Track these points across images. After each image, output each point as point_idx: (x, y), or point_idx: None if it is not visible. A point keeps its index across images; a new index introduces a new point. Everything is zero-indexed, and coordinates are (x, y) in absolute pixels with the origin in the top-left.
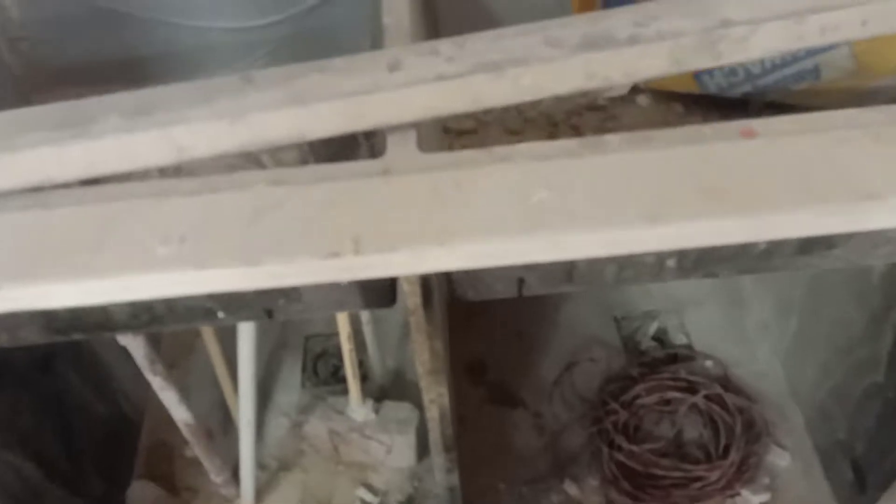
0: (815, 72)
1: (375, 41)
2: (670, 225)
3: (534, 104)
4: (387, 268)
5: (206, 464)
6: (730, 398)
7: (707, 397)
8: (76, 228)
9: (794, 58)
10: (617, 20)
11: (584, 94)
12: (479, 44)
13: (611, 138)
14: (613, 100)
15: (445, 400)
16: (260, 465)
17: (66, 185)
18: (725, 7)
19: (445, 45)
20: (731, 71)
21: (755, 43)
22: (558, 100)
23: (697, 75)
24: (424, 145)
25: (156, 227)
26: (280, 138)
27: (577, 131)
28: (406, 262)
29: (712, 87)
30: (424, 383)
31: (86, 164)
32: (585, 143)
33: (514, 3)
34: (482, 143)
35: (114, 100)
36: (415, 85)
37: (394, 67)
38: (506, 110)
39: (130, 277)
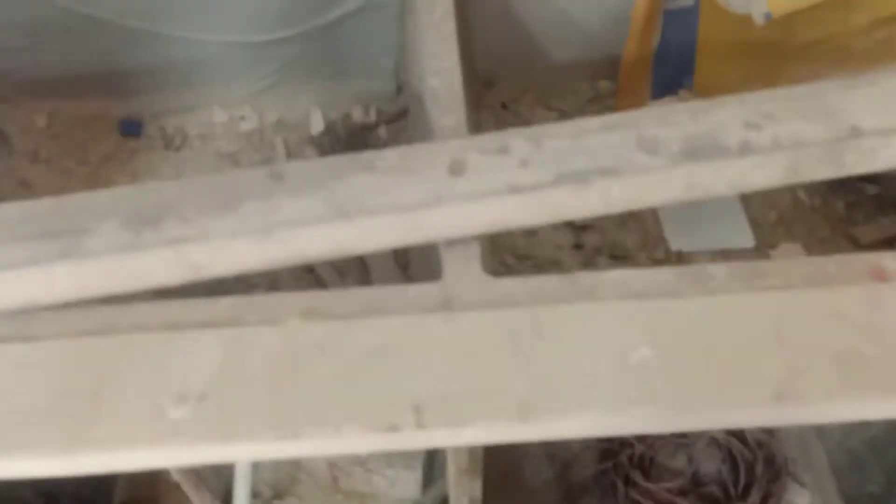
0: None
1: (399, 64)
2: (803, 405)
3: None
4: (454, 440)
5: (195, 499)
6: (749, 430)
7: (726, 429)
8: (67, 376)
9: None
10: (724, 116)
11: None
12: (558, 142)
13: (715, 270)
14: None
15: (478, 493)
16: (253, 493)
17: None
18: (852, 109)
19: (517, 140)
20: None
21: (887, 155)
22: None
23: None
24: (490, 265)
25: (167, 377)
26: (316, 255)
27: None
28: (477, 436)
29: None
30: (457, 482)
31: (78, 286)
32: (684, 274)
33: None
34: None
35: (111, 199)
36: (483, 197)
37: (456, 171)
38: None
39: (136, 451)
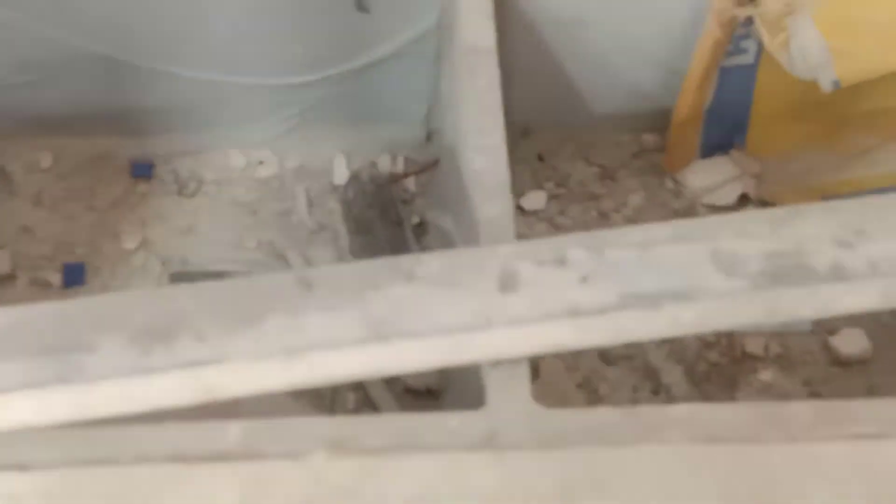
0: None
1: (431, 111)
2: None
3: (622, 211)
4: None
5: None
6: None
7: None
8: None
9: None
10: (809, 230)
11: (680, 199)
12: (623, 253)
13: (799, 410)
14: (714, 209)
15: None
16: None
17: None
18: None
19: (577, 251)
20: None
21: None
22: (651, 206)
23: (829, 199)
24: (541, 392)
25: None
26: (346, 377)
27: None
28: None
29: None
30: None
31: (77, 411)
32: (764, 415)
33: (601, 78)
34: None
35: (117, 307)
36: (538, 321)
37: (508, 286)
38: (586, 214)
39: None
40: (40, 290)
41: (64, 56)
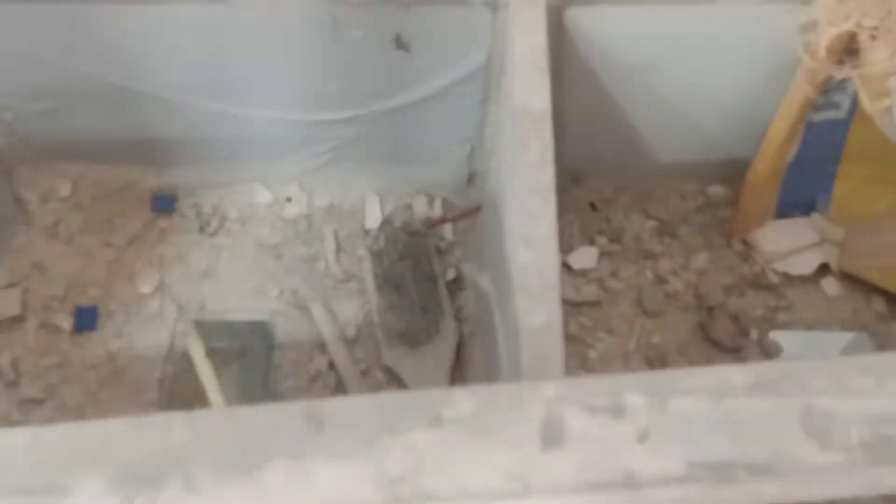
0: None
1: (475, 152)
2: None
3: (681, 275)
4: None
5: None
6: None
7: None
8: None
9: None
10: None
11: (749, 264)
12: (691, 404)
13: None
14: (788, 277)
15: None
16: None
17: None
18: None
19: (635, 396)
20: None
21: None
22: (716, 270)
23: None
24: None
25: None
26: None
27: (735, 322)
28: None
29: None
30: None
31: None
32: None
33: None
34: (607, 319)
35: (102, 442)
36: (586, 489)
37: (551, 439)
38: (640, 276)
39: None
40: (50, 334)
41: (80, 86)
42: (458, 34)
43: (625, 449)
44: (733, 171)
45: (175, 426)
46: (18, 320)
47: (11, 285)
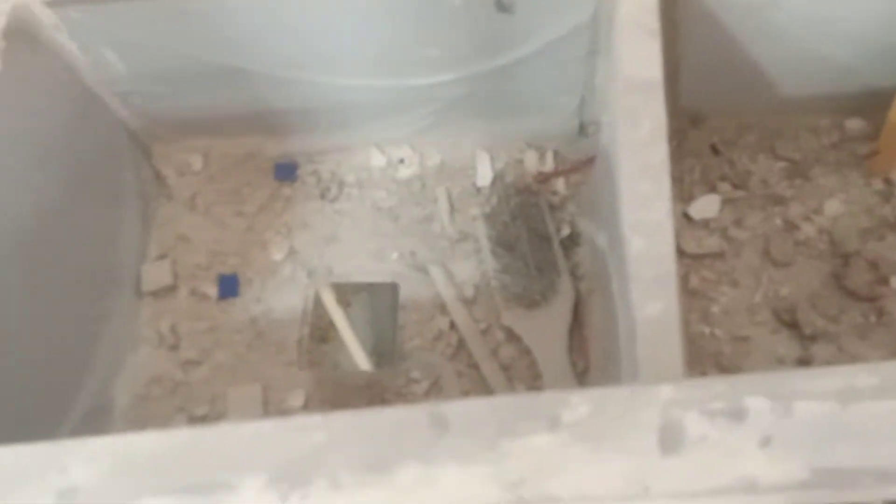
0: None
1: (585, 103)
2: None
3: (814, 220)
4: None
5: None
6: None
7: None
8: None
9: None
10: None
11: (892, 205)
12: (816, 407)
13: None
14: None
15: None
16: None
17: None
18: None
19: (757, 399)
20: None
21: None
22: (853, 213)
23: None
24: None
25: None
26: None
27: (873, 269)
28: None
29: None
30: None
31: None
32: None
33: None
34: (731, 271)
35: (254, 442)
36: (706, 495)
37: (670, 445)
38: (768, 224)
39: None
40: (199, 301)
41: (196, 69)
42: None
43: (746, 453)
44: (873, 103)
45: (313, 427)
46: (171, 289)
47: (162, 257)
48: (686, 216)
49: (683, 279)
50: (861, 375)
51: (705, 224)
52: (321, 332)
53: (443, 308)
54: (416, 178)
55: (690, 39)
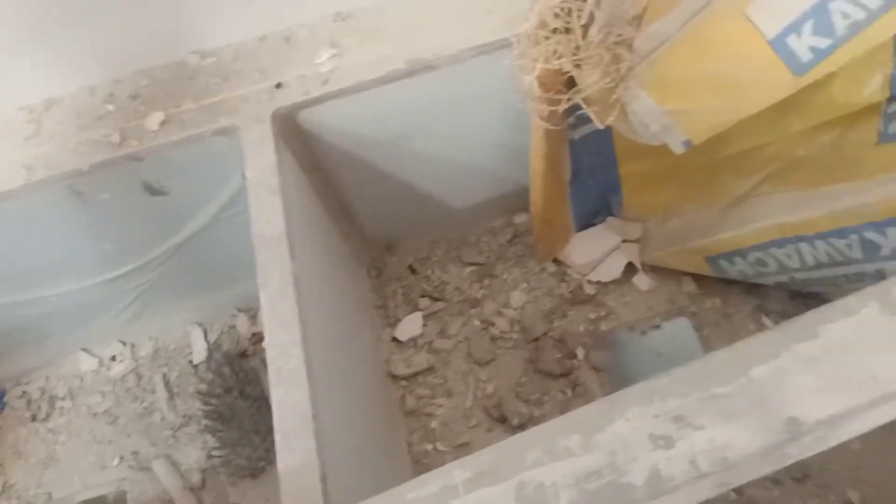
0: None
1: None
2: None
3: (504, 313)
4: None
5: None
6: None
7: None
8: None
9: (849, 259)
10: (623, 429)
11: (566, 282)
12: None
13: None
14: (603, 285)
15: None
16: None
17: None
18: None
19: None
20: (759, 261)
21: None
22: (536, 298)
23: (713, 260)
24: None
25: None
26: None
27: (561, 346)
28: None
29: (732, 273)
30: None
31: None
32: None
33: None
34: (443, 380)
35: None
36: None
37: None
38: (468, 327)
39: None
40: None
41: None
42: (204, 165)
43: None
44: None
45: None
46: None
47: None
48: (395, 340)
49: (400, 401)
50: (455, 472)
51: (413, 343)
52: None
53: (171, 503)
54: (131, 373)
55: (349, 179)
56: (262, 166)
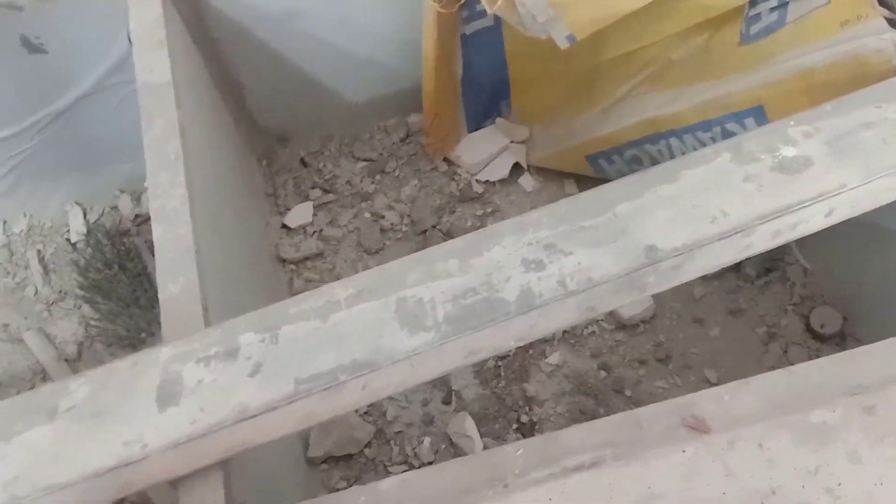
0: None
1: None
2: None
3: (395, 207)
4: None
5: None
6: None
7: None
8: None
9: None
10: (499, 254)
11: (456, 181)
12: (300, 328)
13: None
14: (490, 184)
15: None
16: None
17: None
18: (645, 223)
19: (245, 334)
20: (635, 158)
21: (691, 269)
22: (426, 195)
23: (593, 159)
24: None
25: None
26: None
27: (450, 238)
28: None
29: (611, 172)
30: None
31: None
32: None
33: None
34: (332, 266)
35: None
36: (204, 434)
37: (168, 398)
38: (358, 218)
39: None
40: None
41: None
42: (89, 23)
43: (238, 386)
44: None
45: None
46: None
47: None
48: (284, 227)
49: (288, 283)
50: (339, 289)
51: (303, 230)
52: None
53: (45, 374)
54: (3, 247)
55: (241, 57)
56: (147, 18)
